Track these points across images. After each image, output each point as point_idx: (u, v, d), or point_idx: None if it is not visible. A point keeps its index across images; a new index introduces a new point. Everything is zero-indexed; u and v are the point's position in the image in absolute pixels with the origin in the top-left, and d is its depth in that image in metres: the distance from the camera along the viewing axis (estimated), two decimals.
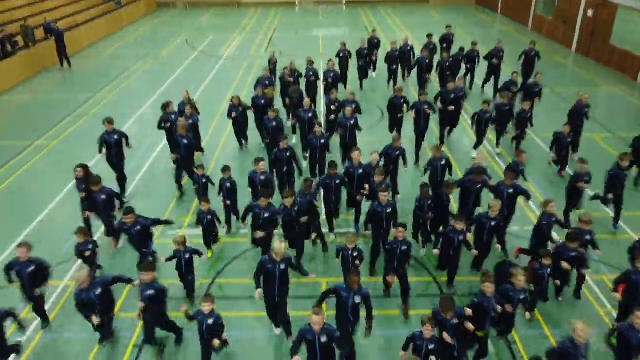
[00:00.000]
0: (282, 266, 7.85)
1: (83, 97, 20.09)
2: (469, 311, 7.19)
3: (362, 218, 11.13)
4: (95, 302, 7.67)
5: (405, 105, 14.72)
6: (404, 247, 8.65)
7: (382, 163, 11.62)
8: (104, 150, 12.29)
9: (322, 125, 12.95)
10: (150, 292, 7.58)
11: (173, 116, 13.77)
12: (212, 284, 9.91)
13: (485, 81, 19.56)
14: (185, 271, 9.15)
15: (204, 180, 11.62)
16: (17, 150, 15.61)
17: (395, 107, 14.80)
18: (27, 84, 21.96)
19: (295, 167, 11.91)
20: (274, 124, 13.15)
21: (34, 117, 18.38)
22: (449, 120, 15.50)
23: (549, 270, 8.59)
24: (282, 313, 8.33)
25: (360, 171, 10.78)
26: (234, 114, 14.59)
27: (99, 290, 7.66)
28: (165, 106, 13.86)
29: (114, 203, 10.59)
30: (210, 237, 10.63)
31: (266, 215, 9.57)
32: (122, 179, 12.77)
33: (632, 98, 19.49)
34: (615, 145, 15.32)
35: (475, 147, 14.72)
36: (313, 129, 12.64)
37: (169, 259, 9.06)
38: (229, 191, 11.15)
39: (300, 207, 9.64)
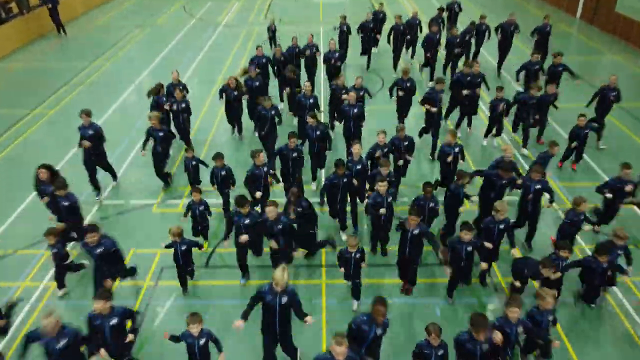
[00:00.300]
0: (284, 299, 6.61)
1: (80, 65, 19.81)
2: (499, 336, 6.30)
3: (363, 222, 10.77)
4: (57, 356, 6.26)
5: (412, 89, 13.39)
6: (415, 231, 8.17)
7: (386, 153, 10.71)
8: (84, 143, 10.98)
9: (318, 113, 11.76)
10: (114, 321, 6.59)
11: (164, 99, 13.06)
12: (213, 253, 9.94)
13: (499, 65, 18.20)
14: (183, 262, 8.62)
15: (194, 163, 10.91)
16: (14, 119, 15.47)
17: (401, 90, 13.41)
18: (24, 51, 21.64)
19: (300, 169, 10.81)
20: (273, 112, 12.03)
21: (31, 85, 18.16)
22: (466, 108, 13.88)
23: (564, 262, 8.00)
24: (286, 347, 7.28)
25: (359, 167, 10.01)
26: (233, 94, 13.30)
27: (63, 342, 6.25)
28: (157, 90, 13.06)
29: (78, 213, 9.44)
30: (202, 229, 9.86)
31: (246, 222, 8.52)
32: (108, 170, 11.93)
33: (636, 67, 19.23)
34: (618, 115, 15.15)
35: (486, 134, 13.57)
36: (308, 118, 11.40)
37: (168, 246, 8.59)
38: (225, 180, 10.23)
39: (284, 226, 8.33)
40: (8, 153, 13.71)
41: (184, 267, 8.70)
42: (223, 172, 10.17)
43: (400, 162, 10.87)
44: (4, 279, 9.35)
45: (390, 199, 9.00)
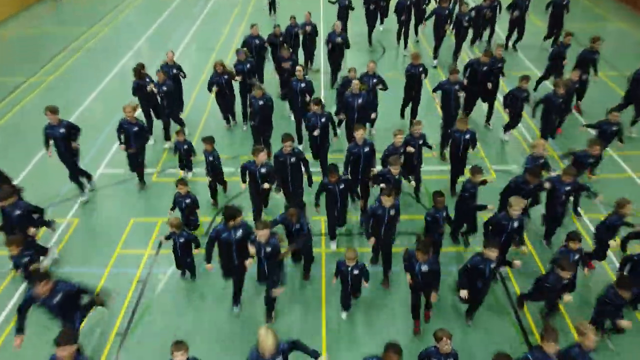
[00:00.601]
0: None
1: (77, 31, 19.54)
2: None
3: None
4: None
5: (423, 75, 11.92)
6: (424, 268, 7.07)
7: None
8: (51, 146, 9.88)
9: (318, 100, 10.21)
10: None
11: (147, 79, 11.81)
12: (213, 221, 9.99)
13: (508, 38, 17.02)
14: (181, 255, 8.27)
15: (185, 147, 10.39)
16: (11, 87, 15.33)
17: (411, 79, 12.03)
18: (19, 17, 21.29)
19: (304, 173, 9.30)
20: (261, 102, 10.73)
21: (27, 51, 17.96)
22: (482, 100, 12.57)
23: (576, 256, 7.42)
24: None
25: (367, 149, 9.03)
26: (224, 80, 12.00)
27: None
28: (138, 71, 11.73)
29: (33, 221, 8.42)
30: (190, 223, 9.22)
31: (239, 234, 7.47)
32: (75, 178, 10.38)
33: None
34: (621, 83, 14.94)
35: (506, 128, 12.15)
36: (308, 104, 10.11)
37: (167, 238, 8.24)
38: (212, 166, 9.81)
39: (273, 249, 7.24)
40: (5, 122, 13.63)
41: (182, 259, 8.36)
42: (211, 158, 9.72)
43: (410, 149, 9.63)
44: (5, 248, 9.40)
45: (393, 212, 7.83)
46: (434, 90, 11.64)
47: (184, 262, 8.42)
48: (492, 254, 6.95)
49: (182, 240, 8.14)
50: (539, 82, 14.02)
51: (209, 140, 9.67)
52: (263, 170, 8.79)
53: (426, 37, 17.98)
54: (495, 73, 12.14)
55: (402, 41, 17.15)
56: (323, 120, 10.16)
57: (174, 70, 12.49)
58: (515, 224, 7.67)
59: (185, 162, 10.70)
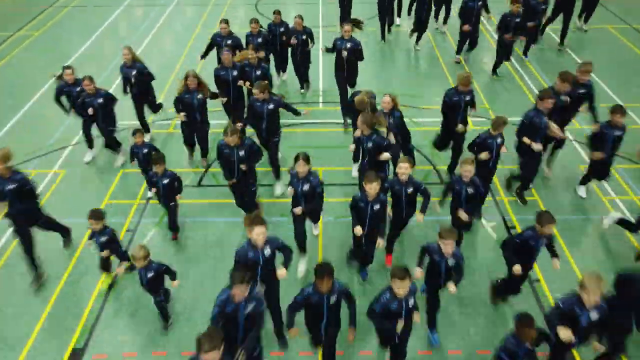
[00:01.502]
0: None
1: None
2: None
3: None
4: None
5: (469, 106, 8.65)
6: None
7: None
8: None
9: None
10: None
11: (76, 89, 9.17)
12: (206, 172, 9.61)
13: (550, 21, 13.64)
14: (149, 289, 6.43)
15: (145, 151, 8.30)
16: None
17: (454, 111, 8.65)
18: None
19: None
20: (242, 153, 7.52)
21: (12, 6, 17.45)
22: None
23: None
24: None
25: (377, 206, 6.56)
26: (196, 99, 8.86)
27: None
28: (62, 74, 9.24)
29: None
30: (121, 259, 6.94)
31: None
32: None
33: None
34: (632, 37, 14.41)
35: (584, 181, 8.75)
36: (296, 162, 6.76)
37: (131, 269, 6.68)
38: (167, 190, 7.65)
39: None
40: None
41: (151, 293, 6.51)
42: (165, 180, 7.58)
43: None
44: None
45: (412, 302, 5.32)
46: (518, 134, 8.17)
47: (154, 300, 6.61)
48: None
49: (150, 274, 6.25)
50: None
51: (158, 161, 7.47)
52: (267, 254, 5.77)
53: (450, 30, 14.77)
54: (576, 104, 8.70)
55: (421, 37, 14.05)
56: (306, 187, 6.90)
57: (134, 72, 9.51)
58: (595, 316, 5.12)
59: (146, 167, 8.34)
